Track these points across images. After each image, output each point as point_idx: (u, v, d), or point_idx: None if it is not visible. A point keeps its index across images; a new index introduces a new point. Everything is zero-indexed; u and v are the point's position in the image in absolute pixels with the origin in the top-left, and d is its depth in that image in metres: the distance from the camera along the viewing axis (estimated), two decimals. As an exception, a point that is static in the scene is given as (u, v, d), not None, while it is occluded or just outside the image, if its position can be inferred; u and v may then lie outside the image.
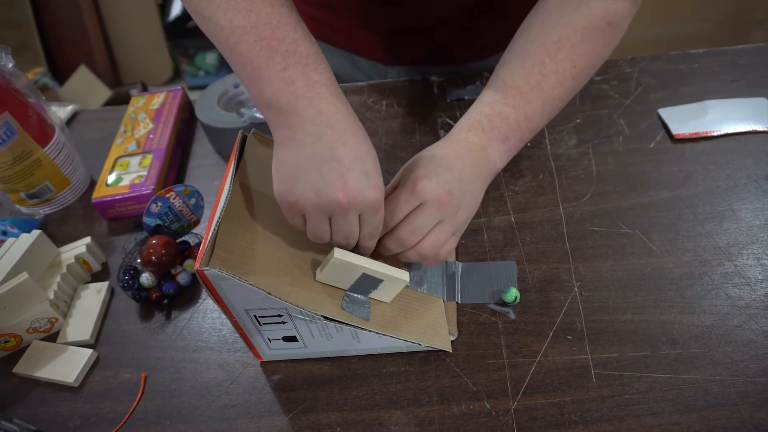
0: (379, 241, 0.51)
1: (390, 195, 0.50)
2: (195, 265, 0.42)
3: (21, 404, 0.55)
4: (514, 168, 0.68)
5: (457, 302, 0.56)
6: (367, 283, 0.49)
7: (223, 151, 0.81)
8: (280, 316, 0.47)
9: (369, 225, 0.47)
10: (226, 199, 0.46)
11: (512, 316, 0.54)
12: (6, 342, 0.59)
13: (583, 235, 0.60)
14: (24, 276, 0.57)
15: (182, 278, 0.61)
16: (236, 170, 0.50)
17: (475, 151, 0.52)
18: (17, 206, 0.77)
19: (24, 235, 0.62)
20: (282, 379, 0.53)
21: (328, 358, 0.54)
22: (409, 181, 0.49)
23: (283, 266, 0.48)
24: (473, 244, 0.61)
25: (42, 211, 0.77)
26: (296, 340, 0.50)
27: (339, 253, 0.47)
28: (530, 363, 0.50)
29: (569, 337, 0.51)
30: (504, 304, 0.54)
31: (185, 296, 0.62)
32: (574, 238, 0.60)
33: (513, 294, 0.54)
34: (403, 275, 0.49)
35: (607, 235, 0.59)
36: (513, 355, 0.51)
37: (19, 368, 0.58)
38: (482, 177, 0.53)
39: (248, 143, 0.53)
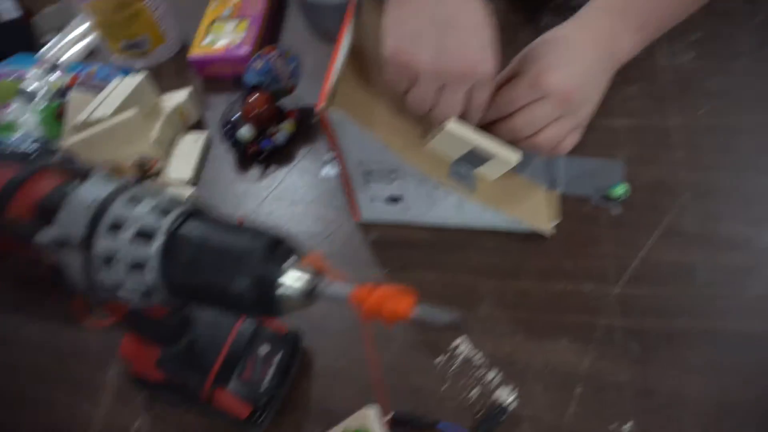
0: (491, 124, 0.49)
1: (509, 82, 0.48)
2: (317, 105, 0.42)
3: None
4: (623, 73, 0.65)
5: (558, 192, 0.55)
6: (475, 158, 0.48)
7: (317, 28, 0.80)
8: (391, 172, 0.47)
9: (477, 100, 0.45)
10: (345, 54, 0.45)
11: (617, 211, 0.53)
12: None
13: (697, 145, 0.57)
14: (134, 110, 0.58)
15: (279, 137, 0.62)
16: (352, 31, 0.49)
17: (605, 37, 0.49)
18: (113, 57, 0.78)
19: (131, 76, 0.63)
20: (379, 238, 0.54)
21: (425, 228, 0.54)
22: (533, 70, 0.46)
23: (398, 127, 0.48)
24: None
25: (137, 65, 0.77)
26: (400, 202, 0.51)
27: (453, 124, 0.46)
28: (633, 256, 0.50)
29: (677, 239, 0.50)
30: (609, 199, 0.54)
31: (280, 156, 0.63)
32: (686, 148, 0.57)
33: (622, 189, 0.53)
34: (512, 155, 0.48)
35: (724, 148, 0.57)
36: (616, 247, 0.51)
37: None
38: (609, 69, 0.50)
39: (364, 7, 0.51)
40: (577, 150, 0.58)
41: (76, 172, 0.30)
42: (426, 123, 0.49)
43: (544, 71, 0.45)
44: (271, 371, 0.44)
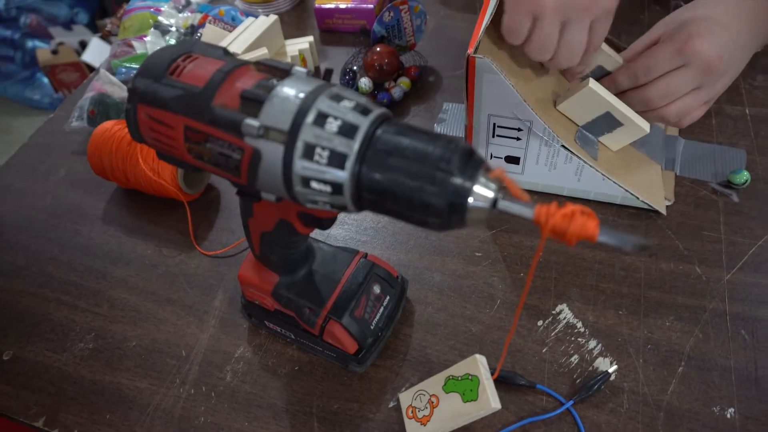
0: (622, 94, 0.49)
1: (649, 49, 0.47)
2: (469, 48, 0.43)
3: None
4: (754, 61, 0.62)
5: (675, 173, 0.54)
6: (605, 123, 0.48)
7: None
8: (519, 130, 0.48)
9: (598, 33, 0.44)
10: (493, 6, 0.46)
11: (735, 198, 0.52)
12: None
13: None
14: (263, 50, 0.60)
15: (396, 92, 0.63)
16: None
17: (751, 13, 0.48)
18: (238, 1, 0.81)
19: (262, 18, 0.65)
20: (484, 201, 0.55)
21: (536, 192, 0.54)
22: (679, 36, 0.45)
23: (534, 85, 0.48)
24: (696, 125, 0.57)
25: (259, 11, 0.80)
26: (517, 163, 0.51)
27: (593, 84, 0.46)
28: (750, 244, 0.49)
29: (798, 231, 0.49)
30: (728, 185, 0.52)
31: (394, 111, 0.64)
32: (815, 143, 0.55)
33: (744, 176, 0.51)
34: (645, 124, 0.48)
35: None
36: (732, 234, 0.50)
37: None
38: (752, 46, 0.48)
39: None
40: (700, 134, 0.56)
41: (276, 69, 0.32)
42: (560, 86, 0.49)
43: (693, 37, 0.44)
44: (380, 312, 0.46)
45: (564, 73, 0.50)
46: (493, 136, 0.49)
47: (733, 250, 0.49)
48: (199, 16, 0.69)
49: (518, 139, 0.48)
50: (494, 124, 0.48)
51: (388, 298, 0.46)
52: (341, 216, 0.56)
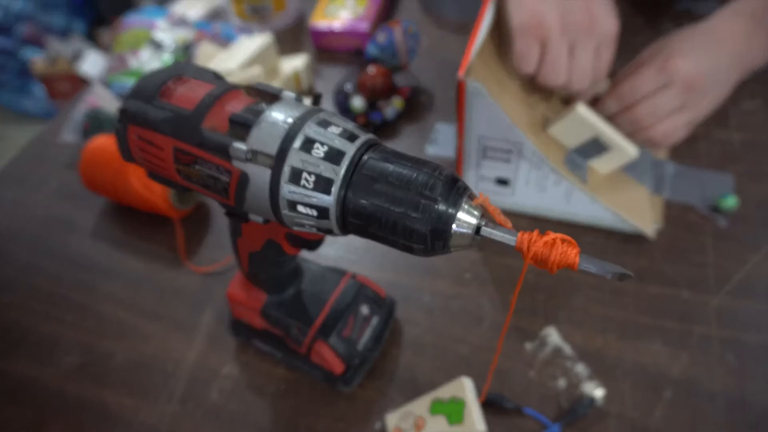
0: (612, 118, 0.50)
1: (634, 71, 0.49)
2: (459, 71, 0.43)
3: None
4: (745, 87, 0.63)
5: (663, 197, 0.55)
6: (594, 147, 0.49)
7: (431, 11, 0.81)
8: (508, 152, 0.48)
9: (603, 58, 0.47)
10: (485, 30, 0.46)
11: (723, 223, 0.52)
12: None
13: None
14: (258, 68, 0.61)
15: (389, 111, 0.63)
16: (493, 9, 0.50)
17: (738, 37, 0.49)
18: (235, 19, 0.81)
19: (257, 35, 0.66)
20: (474, 221, 0.55)
21: (527, 215, 0.54)
22: (660, 57, 0.47)
23: (524, 109, 0.48)
24: (685, 149, 0.58)
25: (256, 29, 0.80)
26: (507, 185, 0.52)
27: (581, 108, 0.47)
28: (738, 269, 0.49)
29: (784, 257, 0.50)
30: (717, 210, 0.53)
31: (387, 130, 0.65)
32: (802, 169, 0.56)
33: (732, 201, 0.51)
34: (632, 148, 0.48)
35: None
36: (720, 258, 0.50)
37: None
38: (738, 69, 0.49)
39: None
40: (688, 158, 0.57)
41: (265, 94, 0.32)
42: (551, 109, 0.49)
43: (674, 56, 0.47)
44: (367, 333, 0.46)
45: (574, 97, 0.51)
46: (484, 158, 0.50)
47: (721, 275, 0.49)
48: (194, 32, 0.69)
49: (508, 161, 0.49)
50: (485, 146, 0.49)
51: (376, 318, 0.46)
52: (329, 237, 0.56)
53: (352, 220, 0.29)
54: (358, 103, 0.62)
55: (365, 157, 0.29)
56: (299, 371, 0.47)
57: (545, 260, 0.26)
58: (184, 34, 0.68)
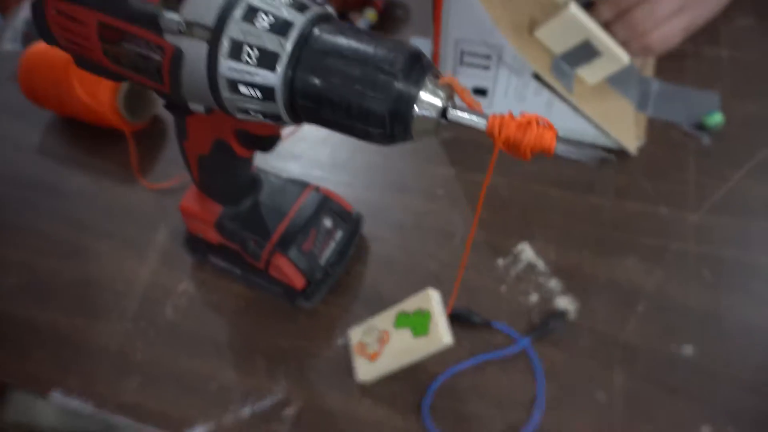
0: (606, 26, 0.47)
1: None
2: None
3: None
4: (736, 5, 0.60)
5: (647, 114, 0.52)
6: (584, 53, 0.45)
7: None
8: (487, 58, 0.44)
9: None
10: None
11: (706, 141, 0.50)
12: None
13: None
14: None
15: (361, 23, 0.58)
16: None
17: None
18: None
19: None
20: (451, 137, 0.52)
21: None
22: None
23: (509, 10, 0.44)
24: (672, 67, 0.55)
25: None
26: (485, 95, 0.48)
27: (574, 7, 0.43)
28: (719, 186, 0.47)
29: None
30: (701, 128, 0.50)
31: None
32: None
33: (717, 118, 0.49)
34: (624, 55, 0.45)
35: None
36: (701, 175, 0.48)
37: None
38: None
39: None
40: (675, 76, 0.54)
41: None
42: (539, 11, 0.46)
43: None
44: (330, 247, 0.43)
45: None
46: (461, 65, 0.46)
47: (700, 192, 0.47)
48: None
49: (487, 68, 0.45)
50: (462, 51, 0.45)
51: (340, 232, 0.44)
52: (295, 150, 0.53)
53: (301, 102, 0.25)
54: (326, 11, 0.57)
55: (317, 30, 0.25)
56: (259, 289, 0.45)
57: (518, 144, 0.23)
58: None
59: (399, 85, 0.23)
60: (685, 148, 0.50)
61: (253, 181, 0.42)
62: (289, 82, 0.25)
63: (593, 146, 0.24)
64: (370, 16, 0.60)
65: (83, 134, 0.56)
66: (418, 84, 0.24)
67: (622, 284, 0.43)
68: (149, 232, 0.49)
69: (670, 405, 0.38)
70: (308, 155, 0.53)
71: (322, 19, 0.25)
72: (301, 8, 0.25)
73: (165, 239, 0.49)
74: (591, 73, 0.47)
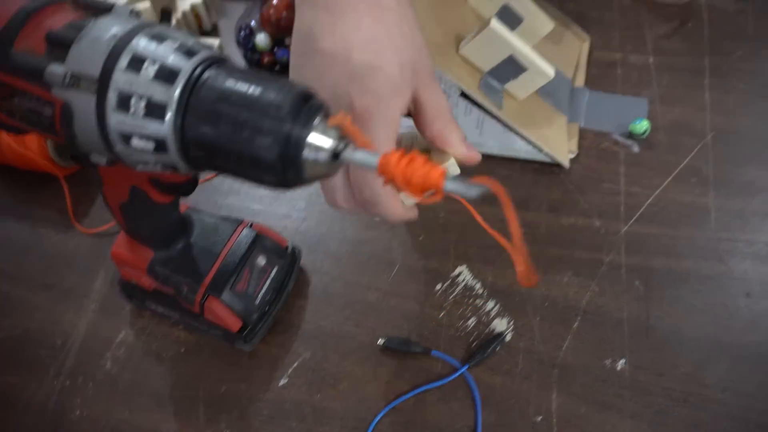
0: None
1: None
2: None
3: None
4: (660, 11, 0.61)
5: (579, 125, 0.53)
6: (510, 68, 0.45)
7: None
8: (410, 83, 0.45)
9: None
10: None
11: (636, 149, 0.51)
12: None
13: (727, 89, 0.54)
14: (146, 3, 0.54)
15: (291, 47, 0.58)
16: None
17: None
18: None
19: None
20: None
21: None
22: None
23: (433, 31, 0.45)
24: (603, 76, 0.56)
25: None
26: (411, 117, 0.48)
27: (495, 23, 0.43)
28: (648, 195, 0.48)
29: (693, 179, 0.49)
30: (630, 136, 0.51)
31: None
32: (716, 90, 0.54)
33: (644, 126, 0.50)
34: (549, 69, 0.45)
35: (754, 94, 0.54)
36: (631, 185, 0.49)
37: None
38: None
39: None
40: (604, 84, 0.55)
41: (94, 7, 0.27)
42: (465, 28, 0.46)
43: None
44: (266, 285, 0.43)
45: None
46: (385, 91, 0.46)
47: (631, 202, 0.48)
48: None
49: (411, 91, 0.45)
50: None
51: (275, 269, 0.43)
52: (235, 184, 0.52)
53: (195, 152, 0.24)
54: (262, 39, 0.56)
55: (206, 75, 0.24)
56: (198, 332, 0.44)
57: (408, 182, 0.23)
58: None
59: (286, 128, 0.23)
60: (616, 158, 0.50)
61: (183, 223, 0.42)
62: (180, 131, 0.24)
63: (476, 185, 0.24)
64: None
65: (14, 180, 0.55)
66: (306, 126, 0.23)
67: (557, 301, 0.44)
68: (87, 281, 0.48)
69: (605, 422, 0.39)
70: (247, 189, 0.52)
71: (213, 63, 0.25)
72: (189, 53, 0.24)
73: (103, 286, 0.48)
74: (520, 88, 0.47)
